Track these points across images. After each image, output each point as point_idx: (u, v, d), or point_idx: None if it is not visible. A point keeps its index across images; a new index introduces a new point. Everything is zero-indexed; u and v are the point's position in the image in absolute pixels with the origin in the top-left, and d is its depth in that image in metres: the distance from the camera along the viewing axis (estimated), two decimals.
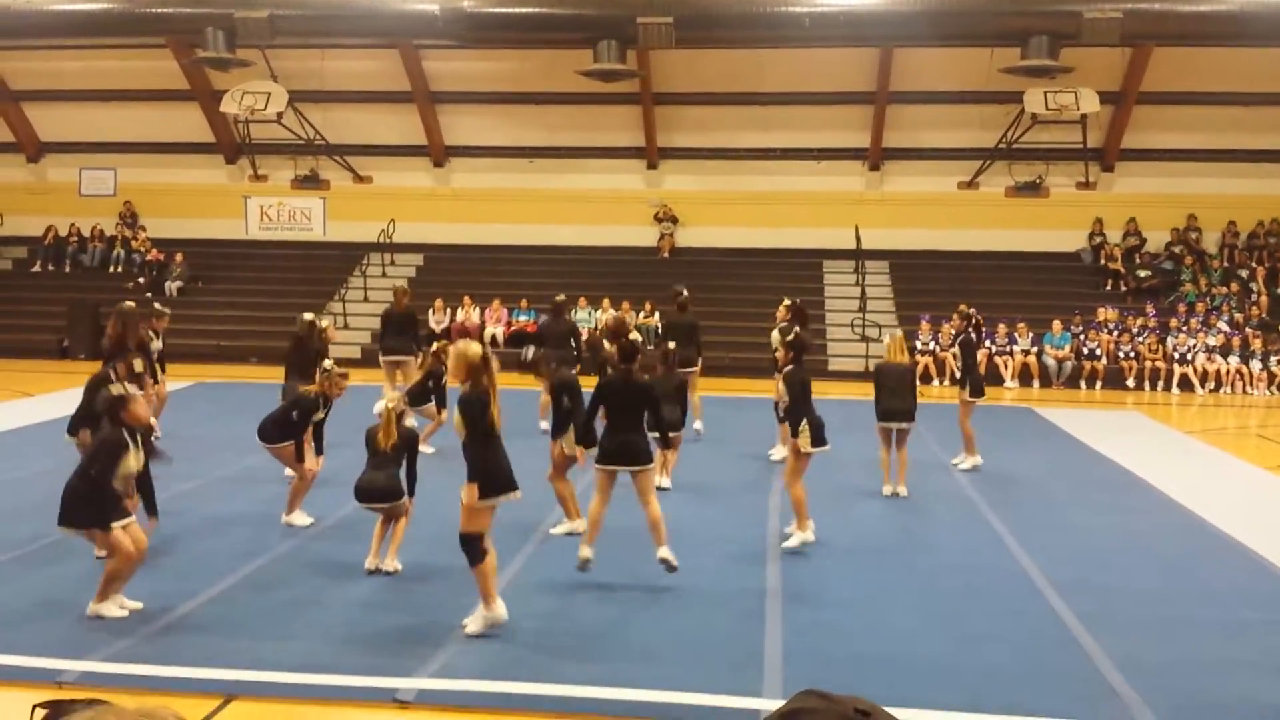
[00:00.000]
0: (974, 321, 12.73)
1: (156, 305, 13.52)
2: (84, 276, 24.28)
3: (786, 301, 11.95)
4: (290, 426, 9.31)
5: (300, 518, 9.23)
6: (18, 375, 18.59)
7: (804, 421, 8.64)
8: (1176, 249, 22.82)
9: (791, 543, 8.70)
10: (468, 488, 6.57)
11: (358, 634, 6.72)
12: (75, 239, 24.97)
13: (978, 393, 12.01)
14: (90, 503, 6.84)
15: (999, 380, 19.86)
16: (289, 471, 10.59)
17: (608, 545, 8.09)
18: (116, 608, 6.93)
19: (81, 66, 23.66)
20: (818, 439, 8.70)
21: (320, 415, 9.43)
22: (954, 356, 14.13)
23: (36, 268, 24.76)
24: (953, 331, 14.81)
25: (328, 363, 9.78)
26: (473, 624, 6.65)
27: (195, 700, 5.72)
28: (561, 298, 14.95)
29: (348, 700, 5.84)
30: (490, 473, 6.60)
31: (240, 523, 9.28)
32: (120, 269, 24.30)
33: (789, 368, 8.89)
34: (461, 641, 6.58)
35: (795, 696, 1.20)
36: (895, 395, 10.81)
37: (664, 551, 7.65)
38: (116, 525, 6.87)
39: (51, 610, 7.06)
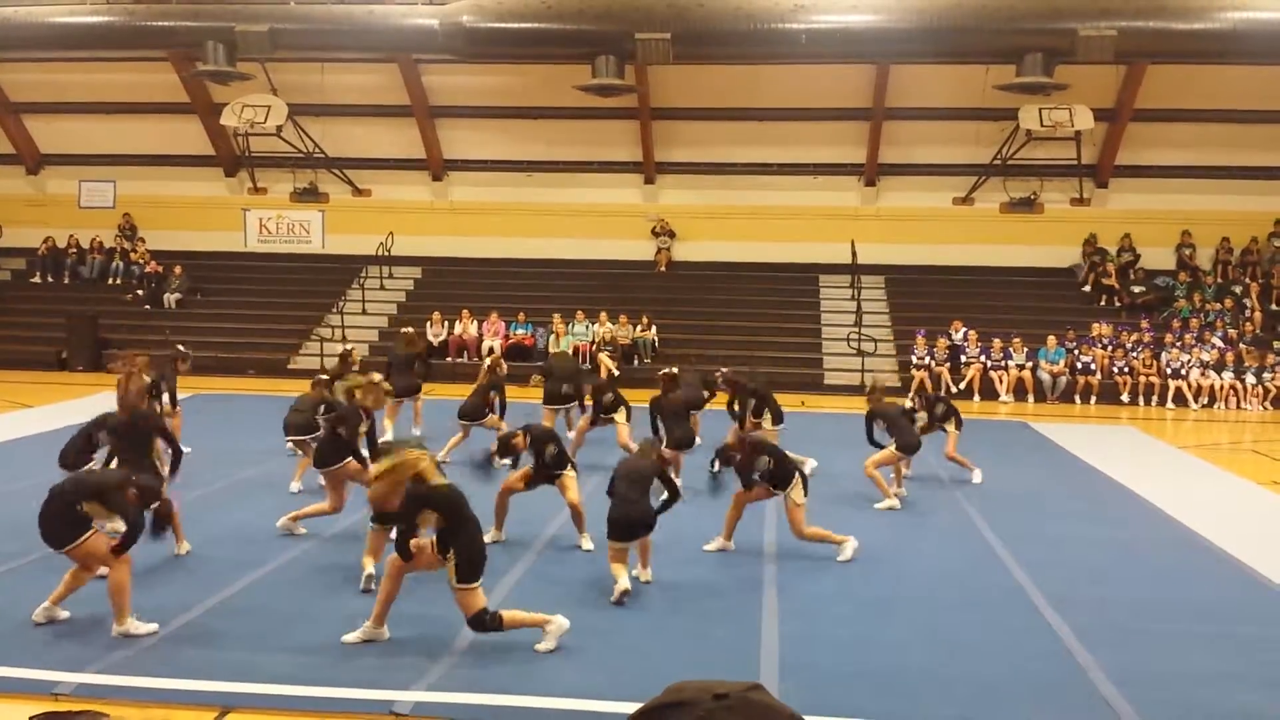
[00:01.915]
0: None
1: (179, 347, 13.86)
2: (83, 288, 24.31)
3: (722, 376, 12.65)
4: (340, 444, 9.23)
5: (298, 527, 9.28)
6: (16, 387, 18.60)
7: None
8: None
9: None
10: None
11: (354, 646, 6.73)
12: (74, 251, 25.00)
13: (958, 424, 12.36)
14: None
15: (994, 394, 19.94)
16: (295, 485, 10.74)
17: (602, 560, 8.13)
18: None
19: (82, 79, 23.74)
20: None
21: (363, 428, 9.43)
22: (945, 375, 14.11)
23: (35, 279, 24.80)
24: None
25: (375, 376, 10.09)
26: (546, 643, 6.70)
27: (192, 712, 5.74)
28: (558, 318, 15.24)
29: (344, 713, 5.85)
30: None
31: (237, 535, 9.30)
32: (119, 281, 24.33)
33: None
34: (458, 654, 6.61)
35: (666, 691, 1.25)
36: (908, 432, 11.13)
37: (644, 574, 8.01)
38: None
39: (48, 622, 7.08)
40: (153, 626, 6.86)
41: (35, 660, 6.37)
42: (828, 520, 9.89)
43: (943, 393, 18.15)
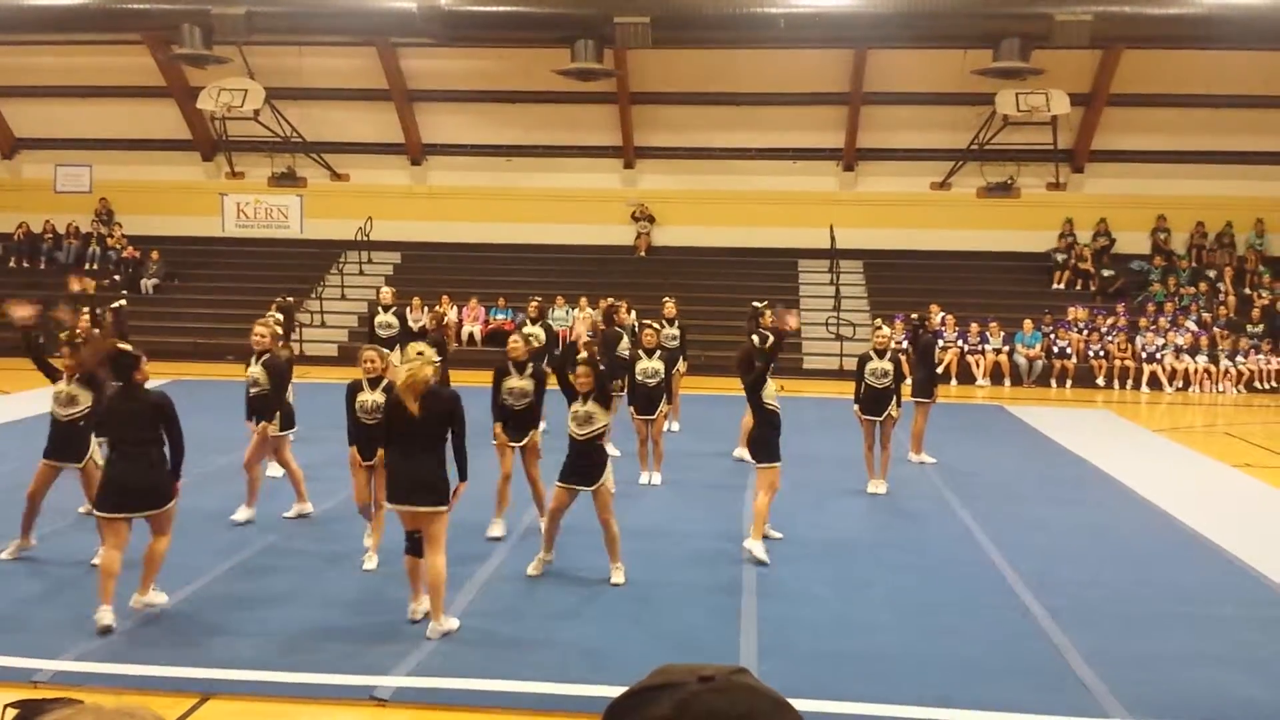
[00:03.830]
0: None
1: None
2: (59, 274, 24.03)
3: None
4: None
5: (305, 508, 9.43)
6: None
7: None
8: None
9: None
10: (462, 485, 6.81)
11: (335, 631, 6.75)
12: (50, 236, 24.78)
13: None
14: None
15: (971, 378, 20.08)
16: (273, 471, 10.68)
17: (582, 544, 8.17)
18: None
19: (57, 63, 23.48)
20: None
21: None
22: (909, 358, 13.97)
23: (11, 264, 24.56)
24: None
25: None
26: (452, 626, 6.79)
27: (172, 699, 5.74)
28: (538, 301, 14.87)
29: (325, 698, 5.87)
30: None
31: (216, 520, 9.29)
32: (96, 266, 24.12)
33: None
34: (439, 639, 6.63)
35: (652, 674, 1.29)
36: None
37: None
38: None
39: (25, 609, 7.07)
40: (163, 597, 7.10)
41: (13, 647, 6.35)
42: (804, 503, 9.96)
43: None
